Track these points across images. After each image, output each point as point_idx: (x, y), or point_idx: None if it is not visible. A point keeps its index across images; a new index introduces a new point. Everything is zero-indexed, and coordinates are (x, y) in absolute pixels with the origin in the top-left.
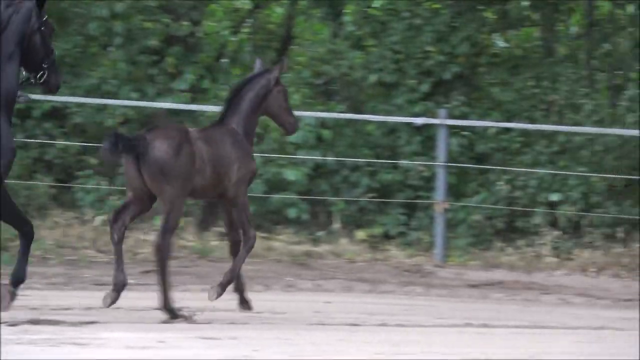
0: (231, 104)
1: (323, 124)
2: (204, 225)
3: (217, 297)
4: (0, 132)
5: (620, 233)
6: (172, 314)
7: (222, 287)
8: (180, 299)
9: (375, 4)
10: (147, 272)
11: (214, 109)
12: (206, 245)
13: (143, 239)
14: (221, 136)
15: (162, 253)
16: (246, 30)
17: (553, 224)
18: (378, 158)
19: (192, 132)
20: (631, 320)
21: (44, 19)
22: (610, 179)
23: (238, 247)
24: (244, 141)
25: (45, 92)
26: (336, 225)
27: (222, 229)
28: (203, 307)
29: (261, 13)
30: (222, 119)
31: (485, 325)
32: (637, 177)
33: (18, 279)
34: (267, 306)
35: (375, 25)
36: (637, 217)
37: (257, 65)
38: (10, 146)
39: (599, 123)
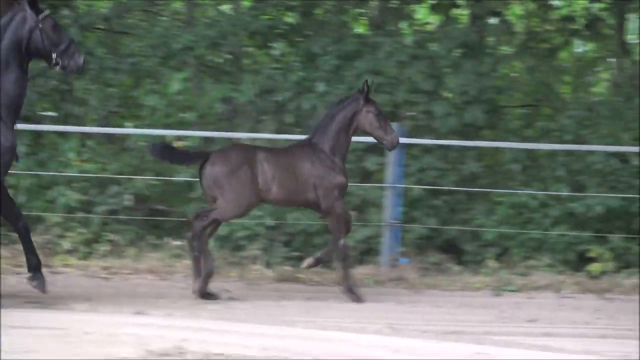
0: (321, 124)
1: None
2: None
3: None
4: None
5: None
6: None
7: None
8: None
9: None
10: None
11: None
12: None
13: None
14: (301, 154)
15: (193, 235)
16: None
17: None
18: None
19: (261, 153)
20: None
21: (42, 16)
22: None
23: None
24: (327, 158)
25: (69, 75)
26: None
27: None
28: None
29: None
30: (310, 138)
31: None
32: None
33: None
34: None
35: None
36: None
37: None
38: (8, 145)
39: None
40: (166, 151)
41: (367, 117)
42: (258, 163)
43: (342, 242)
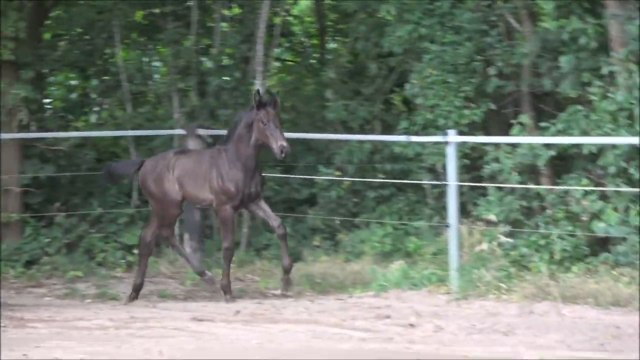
0: (230, 131)
1: None
2: None
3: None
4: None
5: None
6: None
7: (225, 290)
8: None
9: None
10: None
11: None
12: None
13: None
14: (204, 157)
15: (141, 243)
16: None
17: None
18: None
19: (173, 155)
20: None
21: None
22: None
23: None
24: (225, 163)
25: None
26: None
27: None
28: None
29: None
30: (222, 144)
31: None
32: None
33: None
34: None
35: None
36: None
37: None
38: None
39: None
40: (111, 171)
41: (258, 126)
42: (173, 164)
43: (226, 244)
